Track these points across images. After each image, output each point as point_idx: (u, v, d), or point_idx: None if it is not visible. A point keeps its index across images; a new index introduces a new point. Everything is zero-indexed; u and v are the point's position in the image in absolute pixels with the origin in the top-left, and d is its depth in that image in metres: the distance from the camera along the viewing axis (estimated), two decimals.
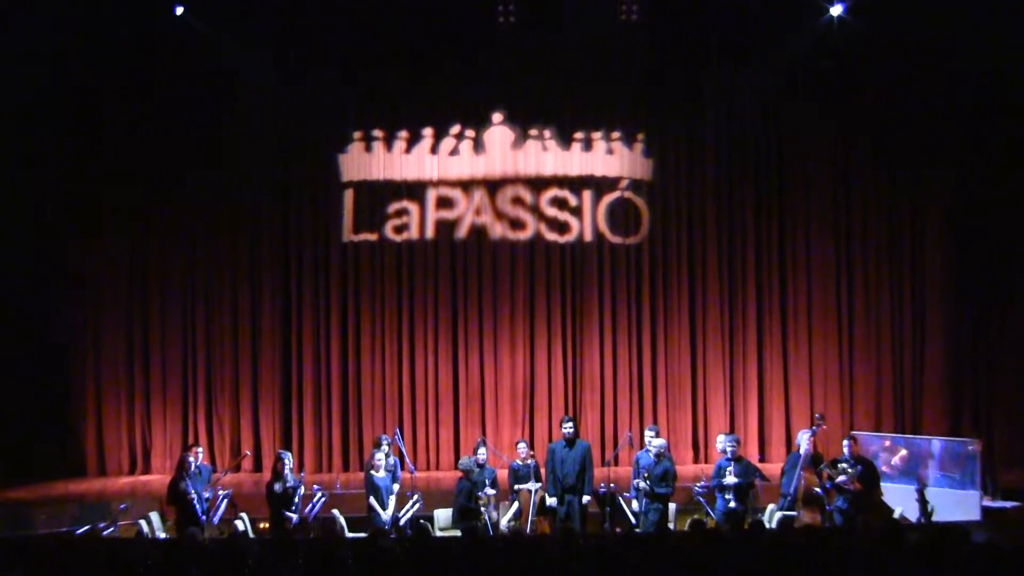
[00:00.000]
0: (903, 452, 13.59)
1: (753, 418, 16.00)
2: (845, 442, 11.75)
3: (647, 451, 11.88)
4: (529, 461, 12.04)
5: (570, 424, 12.09)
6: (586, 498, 11.82)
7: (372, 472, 11.70)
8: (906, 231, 16.07)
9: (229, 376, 15.73)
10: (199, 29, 14.75)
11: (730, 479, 11.44)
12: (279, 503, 11.35)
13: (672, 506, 11.95)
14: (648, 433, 12.20)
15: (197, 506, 11.33)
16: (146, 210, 15.66)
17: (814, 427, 12.32)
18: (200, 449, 12.32)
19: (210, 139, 15.52)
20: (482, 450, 12.02)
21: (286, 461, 11.51)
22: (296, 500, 11.41)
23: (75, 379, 15.66)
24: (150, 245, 15.73)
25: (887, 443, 13.85)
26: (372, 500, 11.57)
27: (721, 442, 11.87)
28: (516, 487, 11.95)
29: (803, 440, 11.90)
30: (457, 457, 15.70)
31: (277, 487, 11.36)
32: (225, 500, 11.71)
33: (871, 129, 15.83)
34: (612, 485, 12.08)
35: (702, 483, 12.11)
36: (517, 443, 12.49)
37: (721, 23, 15.51)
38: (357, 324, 15.87)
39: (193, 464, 11.59)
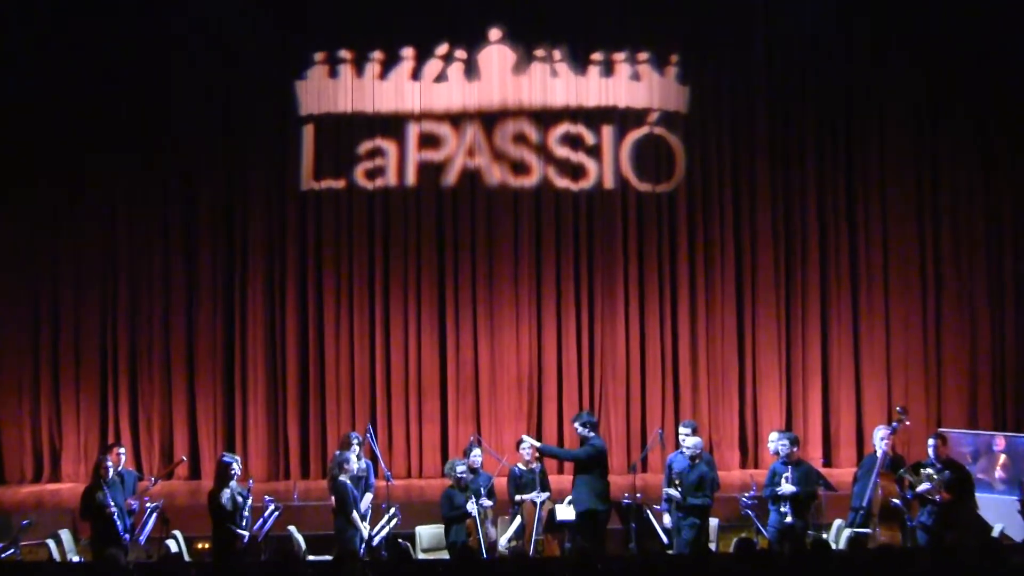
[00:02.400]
0: (1003, 458, 13.58)
1: (816, 413, 16.06)
2: (931, 442, 11.71)
3: (681, 452, 11.89)
4: (534, 465, 12.03)
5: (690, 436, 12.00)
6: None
7: (343, 478, 11.68)
8: (1006, 189, 16.13)
9: (159, 363, 15.75)
10: None
11: (786, 488, 11.44)
12: (226, 517, 11.33)
13: (713, 521, 11.97)
14: (682, 430, 12.19)
15: (118, 522, 11.30)
16: (50, 168, 15.62)
17: (894, 423, 12.33)
18: (122, 451, 12.30)
19: (124, 65, 15.49)
20: (476, 451, 12.00)
21: (234, 466, 11.50)
22: (246, 514, 11.39)
23: None
24: (59, 207, 15.71)
25: (984, 443, 13.83)
26: (355, 516, 11.55)
27: (774, 442, 11.88)
28: (518, 498, 11.95)
29: (879, 440, 11.89)
30: (444, 461, 15.76)
31: (224, 497, 11.35)
32: (154, 514, 11.69)
33: (964, 68, 15.92)
34: (639, 495, 12.09)
35: (751, 492, 12.11)
36: (518, 442, 12.43)
37: None
38: (319, 295, 15.87)
39: (112, 470, 11.56)
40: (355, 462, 11.94)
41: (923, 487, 11.30)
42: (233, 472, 11.44)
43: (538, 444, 12.28)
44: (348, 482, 11.66)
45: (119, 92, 15.57)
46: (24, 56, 15.40)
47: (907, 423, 12.80)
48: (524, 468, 12.07)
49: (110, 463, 11.60)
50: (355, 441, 12.20)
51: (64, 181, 15.70)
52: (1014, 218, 16.15)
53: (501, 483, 12.33)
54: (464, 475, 11.61)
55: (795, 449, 11.72)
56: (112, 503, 11.29)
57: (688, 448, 11.74)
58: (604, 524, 11.87)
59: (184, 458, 14.86)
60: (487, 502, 11.63)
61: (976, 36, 15.86)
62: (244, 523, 11.35)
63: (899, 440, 12.43)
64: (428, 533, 12.07)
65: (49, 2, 15.43)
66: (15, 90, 15.41)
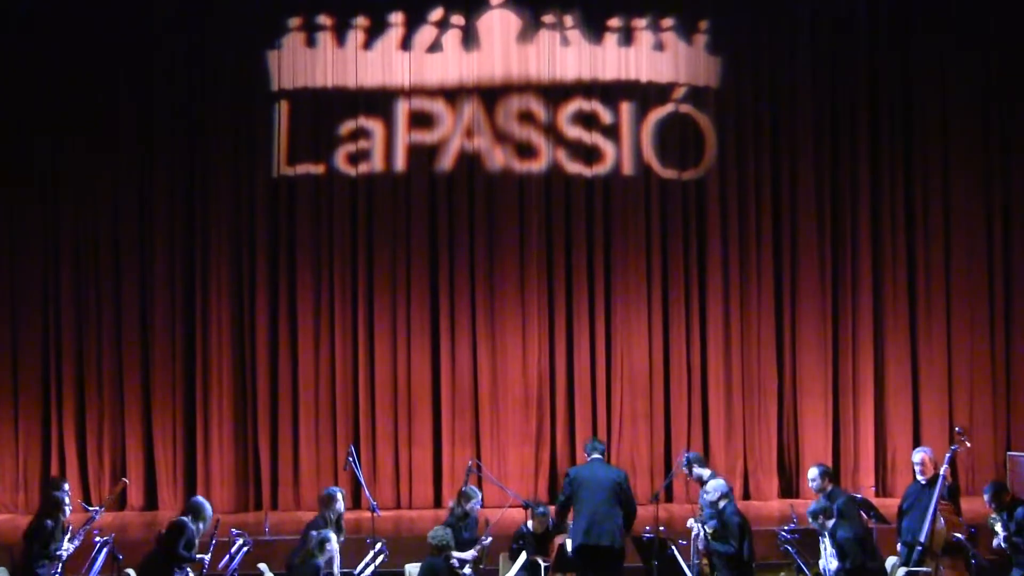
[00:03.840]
0: None
1: (867, 435, 16.05)
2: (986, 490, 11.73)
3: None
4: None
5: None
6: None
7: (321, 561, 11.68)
8: None
9: (109, 375, 15.74)
10: None
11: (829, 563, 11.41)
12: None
13: None
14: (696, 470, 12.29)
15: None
16: None
17: (953, 446, 12.33)
18: (67, 485, 12.35)
19: (66, 26, 15.54)
20: (474, 499, 12.11)
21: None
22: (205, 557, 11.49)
23: None
24: None
25: None
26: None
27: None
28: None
29: (917, 462, 11.93)
30: (438, 489, 15.77)
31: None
32: (104, 549, 11.68)
33: None
34: (662, 528, 12.02)
35: (791, 525, 12.04)
36: (526, 507, 12.52)
37: None
38: (292, 298, 15.87)
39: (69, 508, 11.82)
40: (334, 542, 11.85)
41: (996, 542, 11.34)
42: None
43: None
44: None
45: (61, 61, 15.59)
46: None
47: (968, 445, 12.80)
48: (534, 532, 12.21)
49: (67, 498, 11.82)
50: (340, 496, 12.10)
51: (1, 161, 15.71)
52: None
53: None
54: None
55: (826, 482, 11.69)
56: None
57: (710, 492, 11.70)
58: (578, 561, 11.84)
59: (126, 480, 14.83)
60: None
61: None
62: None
63: (960, 463, 12.45)
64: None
65: None
66: None
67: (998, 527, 11.38)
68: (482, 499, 12.15)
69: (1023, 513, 11.38)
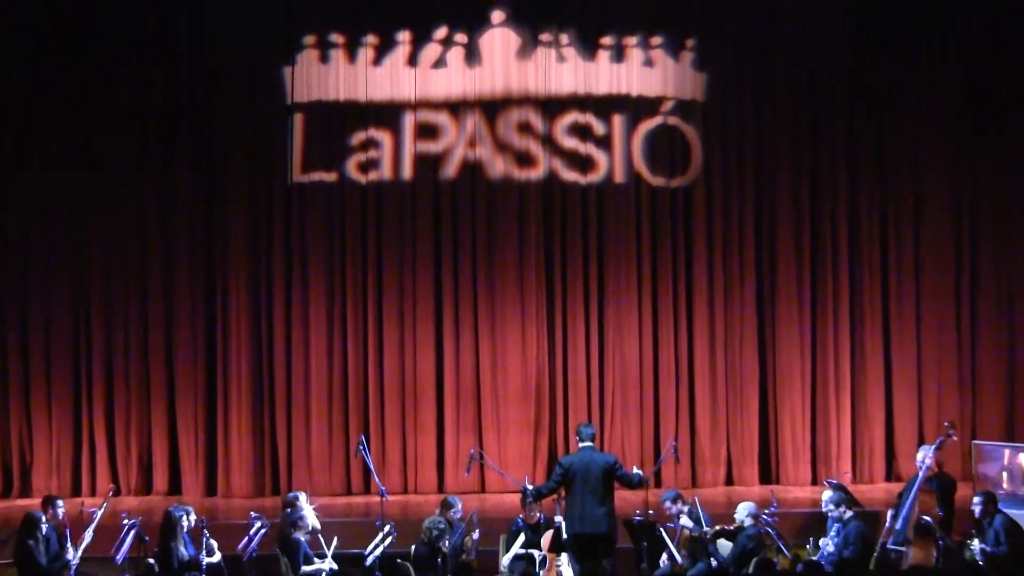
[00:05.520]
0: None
1: (846, 426, 16.02)
2: (976, 500, 11.75)
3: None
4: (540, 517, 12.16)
5: None
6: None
7: (299, 536, 11.70)
8: None
9: (136, 367, 15.69)
10: None
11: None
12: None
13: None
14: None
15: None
16: (15, 158, 15.62)
17: (939, 439, 12.36)
18: (61, 503, 12.15)
19: (94, 42, 15.50)
20: (454, 508, 12.11)
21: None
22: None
23: None
24: (24, 203, 15.66)
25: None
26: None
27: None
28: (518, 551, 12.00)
29: (921, 456, 12.13)
30: (442, 476, 15.76)
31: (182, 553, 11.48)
32: (132, 532, 11.71)
33: (1001, 56, 15.93)
34: (651, 512, 12.05)
35: (771, 508, 12.04)
36: (523, 495, 12.38)
37: None
38: (306, 295, 15.81)
39: (45, 526, 11.64)
40: (311, 517, 11.87)
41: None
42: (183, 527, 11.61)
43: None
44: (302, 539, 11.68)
45: (90, 74, 15.53)
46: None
47: (955, 438, 12.86)
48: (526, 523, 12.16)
49: (44, 519, 11.67)
50: (302, 503, 12.06)
51: (34, 169, 15.64)
52: None
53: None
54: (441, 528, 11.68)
55: (843, 509, 11.68)
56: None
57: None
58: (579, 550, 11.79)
59: (113, 487, 14.71)
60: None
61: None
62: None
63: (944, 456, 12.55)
64: None
65: None
66: None
67: (975, 543, 11.48)
68: (484, 485, 12.09)
69: (1001, 523, 11.45)
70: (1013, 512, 12.33)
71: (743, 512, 11.66)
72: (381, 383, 15.86)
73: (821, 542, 11.61)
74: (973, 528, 11.79)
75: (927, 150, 16.10)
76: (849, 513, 11.51)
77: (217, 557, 11.62)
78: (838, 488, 11.92)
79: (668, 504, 12.06)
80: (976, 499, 11.78)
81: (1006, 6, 15.82)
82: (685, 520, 11.73)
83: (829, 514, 11.63)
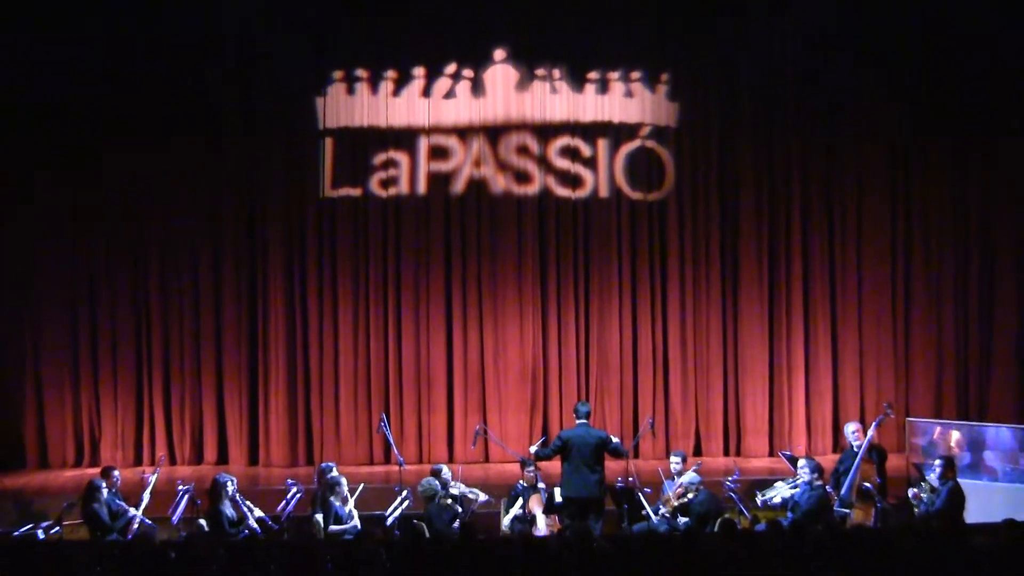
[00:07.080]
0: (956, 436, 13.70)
1: (800, 404, 16.04)
2: (937, 463, 11.85)
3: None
4: (541, 486, 12.23)
5: None
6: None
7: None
8: (974, 191, 16.14)
9: (189, 355, 15.76)
10: None
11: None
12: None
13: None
14: (674, 459, 12.40)
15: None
16: (85, 175, 15.58)
17: (880, 416, 12.53)
18: (117, 472, 12.28)
19: (157, 86, 15.46)
20: (444, 471, 12.16)
21: (228, 486, 11.70)
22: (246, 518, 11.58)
23: (11, 361, 15.70)
24: (94, 213, 15.69)
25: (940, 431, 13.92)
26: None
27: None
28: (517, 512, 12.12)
29: (851, 433, 12.31)
30: (451, 447, 15.86)
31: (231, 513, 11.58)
32: (186, 496, 11.83)
33: (933, 77, 15.95)
34: (631, 478, 12.17)
35: (734, 476, 12.15)
36: (522, 463, 12.58)
37: None
38: (335, 293, 15.88)
39: (105, 491, 11.75)
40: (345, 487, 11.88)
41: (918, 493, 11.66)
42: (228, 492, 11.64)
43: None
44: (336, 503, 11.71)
45: (152, 96, 15.49)
46: (44, 55, 15.22)
47: (892, 416, 13.01)
48: (526, 485, 12.24)
49: (104, 485, 11.80)
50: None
51: (102, 180, 15.63)
52: (979, 222, 16.13)
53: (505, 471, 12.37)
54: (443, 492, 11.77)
55: (816, 475, 11.70)
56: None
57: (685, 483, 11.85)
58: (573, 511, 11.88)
59: (163, 454, 14.96)
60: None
61: (959, 64, 15.82)
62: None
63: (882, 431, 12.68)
64: None
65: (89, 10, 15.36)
66: (46, 89, 15.26)
67: (924, 495, 11.61)
68: (487, 456, 12.16)
69: (949, 490, 11.51)
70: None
71: (687, 479, 11.81)
72: (400, 369, 15.92)
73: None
74: (920, 481, 11.90)
75: (867, 168, 16.12)
76: (820, 482, 11.57)
77: (259, 513, 11.70)
78: (809, 460, 11.90)
79: (676, 461, 12.21)
80: (937, 462, 11.79)
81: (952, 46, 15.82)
82: (689, 476, 11.84)
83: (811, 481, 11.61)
